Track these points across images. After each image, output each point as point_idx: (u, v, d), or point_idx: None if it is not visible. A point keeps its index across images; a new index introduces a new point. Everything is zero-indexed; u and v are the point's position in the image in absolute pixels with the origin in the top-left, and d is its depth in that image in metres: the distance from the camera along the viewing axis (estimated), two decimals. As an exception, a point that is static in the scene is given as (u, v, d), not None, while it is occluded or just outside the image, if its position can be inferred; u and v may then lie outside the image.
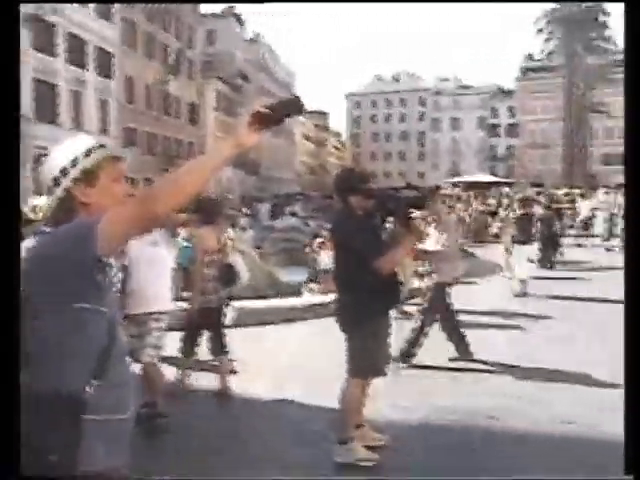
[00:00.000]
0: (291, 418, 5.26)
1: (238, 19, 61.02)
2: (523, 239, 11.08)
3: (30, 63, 29.02)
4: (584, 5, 55.64)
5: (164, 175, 1.80)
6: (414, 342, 6.71)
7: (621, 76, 65.02)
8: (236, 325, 8.55)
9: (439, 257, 6.75)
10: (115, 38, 38.19)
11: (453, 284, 7.12)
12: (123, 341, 1.96)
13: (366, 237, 4.15)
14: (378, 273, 4.03)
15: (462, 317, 9.24)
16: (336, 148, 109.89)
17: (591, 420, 5.07)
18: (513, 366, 6.67)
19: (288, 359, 7.09)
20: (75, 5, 33.09)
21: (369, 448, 4.35)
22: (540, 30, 55.85)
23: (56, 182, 1.88)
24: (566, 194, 21.59)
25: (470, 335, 8.25)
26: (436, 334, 7.05)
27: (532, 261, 11.40)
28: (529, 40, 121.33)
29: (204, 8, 53.82)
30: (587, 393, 5.81)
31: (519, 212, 11.30)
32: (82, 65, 34.37)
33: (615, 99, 70.49)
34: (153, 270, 4.61)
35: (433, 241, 6.74)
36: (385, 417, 5.03)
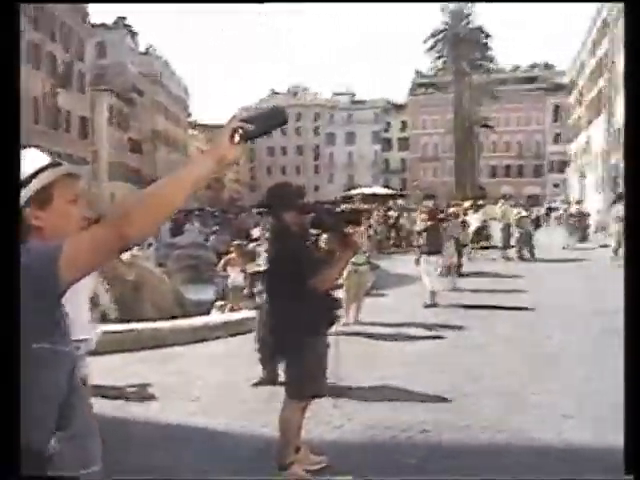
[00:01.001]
0: (219, 445, 5.01)
1: (130, 31, 59.59)
2: (432, 250, 11.30)
3: None
4: (469, 26, 58.26)
5: (135, 193, 1.61)
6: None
7: (503, 94, 68.48)
8: (144, 348, 8.24)
9: None
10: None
11: None
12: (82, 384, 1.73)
13: (302, 254, 4.03)
14: (315, 291, 3.92)
15: (372, 329, 9.34)
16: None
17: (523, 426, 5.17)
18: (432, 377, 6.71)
19: (205, 381, 6.80)
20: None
21: (310, 472, 4.21)
22: (430, 48, 58.00)
23: None
24: (472, 205, 22.33)
25: (382, 347, 8.31)
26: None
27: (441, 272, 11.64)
28: (420, 57, 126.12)
29: (95, 18, 52.09)
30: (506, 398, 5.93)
31: (428, 223, 11.50)
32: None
33: (499, 115, 74.36)
34: (77, 295, 4.27)
35: (264, 260, 6.03)
36: (321, 438, 4.90)
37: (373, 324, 9.69)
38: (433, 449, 4.79)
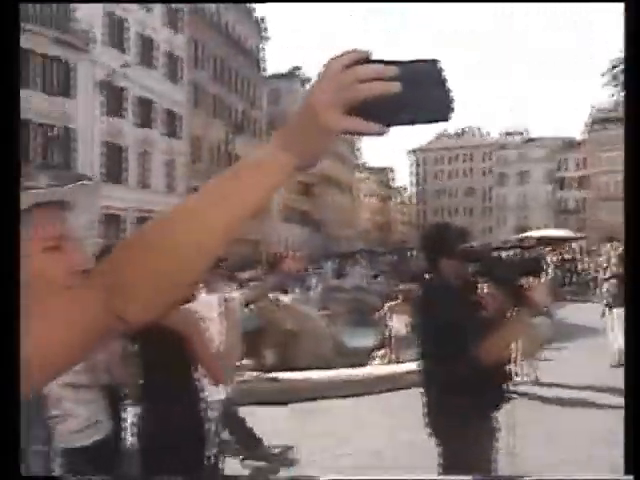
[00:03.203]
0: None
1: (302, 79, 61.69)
2: (622, 301, 9.79)
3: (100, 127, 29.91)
4: None
5: (140, 228, 0.95)
6: None
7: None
8: (297, 400, 7.69)
9: None
10: (183, 99, 38.60)
11: None
12: None
13: (463, 319, 3.16)
14: (478, 363, 3.04)
15: (550, 392, 8.11)
16: (402, 204, 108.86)
17: None
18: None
19: (356, 445, 6.07)
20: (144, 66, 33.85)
21: None
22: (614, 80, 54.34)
23: None
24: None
25: (563, 418, 7.10)
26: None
27: None
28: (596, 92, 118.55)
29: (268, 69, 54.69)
30: None
31: (620, 270, 9.92)
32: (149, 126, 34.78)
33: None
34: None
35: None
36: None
37: (551, 385, 8.49)
38: None
